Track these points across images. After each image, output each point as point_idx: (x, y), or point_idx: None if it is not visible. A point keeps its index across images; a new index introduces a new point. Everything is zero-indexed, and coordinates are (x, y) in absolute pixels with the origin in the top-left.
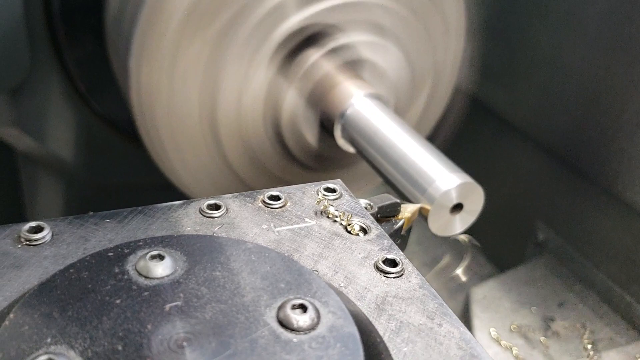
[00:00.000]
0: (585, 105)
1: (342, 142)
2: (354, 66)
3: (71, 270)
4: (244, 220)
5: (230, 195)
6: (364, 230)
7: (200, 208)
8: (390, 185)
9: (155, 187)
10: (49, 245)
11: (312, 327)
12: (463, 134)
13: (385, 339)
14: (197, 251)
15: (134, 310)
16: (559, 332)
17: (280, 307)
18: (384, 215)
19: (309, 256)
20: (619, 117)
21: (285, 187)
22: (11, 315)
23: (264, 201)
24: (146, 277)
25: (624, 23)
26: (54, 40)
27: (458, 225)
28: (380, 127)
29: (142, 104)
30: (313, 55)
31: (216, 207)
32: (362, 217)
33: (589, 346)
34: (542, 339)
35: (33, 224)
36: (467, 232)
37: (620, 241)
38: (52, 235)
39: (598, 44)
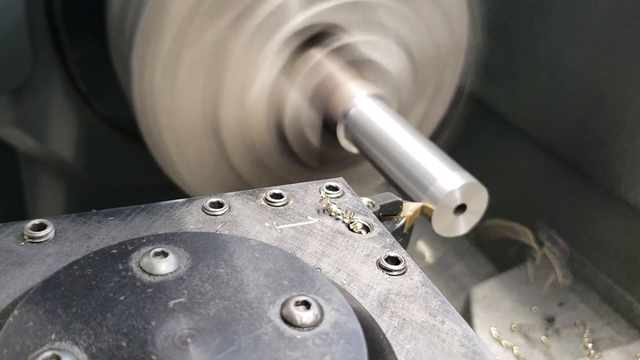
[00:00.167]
0: (587, 106)
1: (344, 142)
2: (357, 66)
3: (75, 267)
4: (247, 218)
5: (232, 193)
6: (366, 228)
7: (203, 206)
8: (393, 185)
9: (158, 188)
10: (52, 243)
11: (316, 324)
12: (464, 134)
13: (388, 336)
14: (201, 248)
15: (138, 306)
16: (560, 331)
17: (284, 304)
18: (386, 214)
19: (312, 254)
20: (621, 118)
21: (287, 185)
22: (15, 312)
23: (266, 199)
24: (150, 274)
25: (626, 24)
26: (56, 40)
27: (462, 226)
28: (383, 127)
29: (144, 104)
30: (316, 55)
31: (219, 205)
32: (365, 215)
33: (590, 345)
34: (542, 338)
35: (36, 221)
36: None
37: (621, 241)
38: (56, 233)
39: (600, 44)
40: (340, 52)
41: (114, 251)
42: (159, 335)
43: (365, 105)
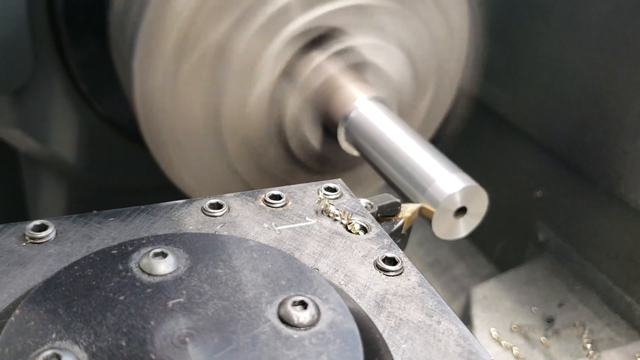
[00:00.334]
0: (588, 107)
1: (345, 145)
2: (357, 69)
3: (76, 268)
4: (246, 219)
5: (232, 194)
6: (364, 229)
7: (202, 207)
8: (394, 188)
9: (158, 189)
10: (53, 244)
11: (313, 324)
12: (465, 135)
13: (384, 335)
14: (200, 249)
15: (138, 306)
16: (559, 332)
17: (281, 304)
18: (384, 215)
19: (310, 254)
20: (621, 119)
21: (286, 187)
22: (17, 312)
23: (265, 200)
24: (149, 275)
25: (627, 25)
26: (57, 41)
27: (462, 229)
28: (384, 130)
29: (146, 106)
30: (317, 57)
31: (218, 206)
32: (363, 216)
33: (589, 345)
34: (542, 338)
35: (37, 222)
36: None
37: (621, 241)
38: (57, 234)
39: (601, 45)
40: (342, 55)
41: (114, 252)
42: (158, 335)
43: (366, 108)
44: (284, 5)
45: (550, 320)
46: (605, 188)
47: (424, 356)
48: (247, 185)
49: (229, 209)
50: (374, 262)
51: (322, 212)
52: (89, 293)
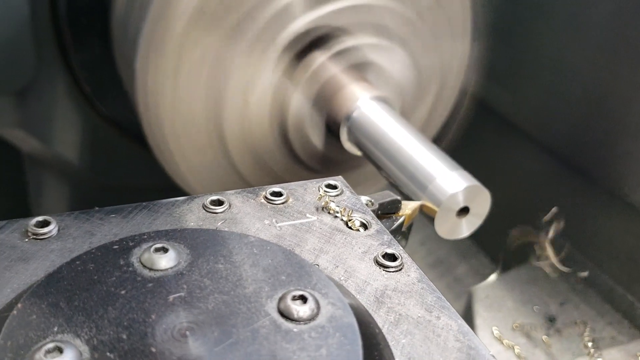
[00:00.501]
0: (590, 107)
1: (348, 145)
2: (360, 69)
3: (77, 262)
4: (247, 216)
5: (233, 191)
6: (364, 226)
7: (203, 204)
8: (396, 187)
9: (160, 189)
10: (56, 239)
11: (312, 318)
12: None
13: (384, 330)
14: (200, 244)
15: (139, 300)
16: (561, 331)
17: (281, 298)
18: (385, 212)
19: (310, 251)
20: (624, 119)
21: (287, 184)
22: (19, 305)
23: (266, 197)
24: (150, 269)
25: (628, 25)
26: (60, 42)
27: (465, 229)
28: (386, 129)
29: (148, 106)
30: (319, 57)
31: (219, 202)
32: (363, 212)
33: (590, 344)
34: (544, 337)
35: (40, 218)
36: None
37: (622, 241)
38: (59, 230)
39: (602, 45)
40: (344, 55)
41: (116, 247)
42: (159, 328)
43: (368, 107)
44: (286, 5)
45: (551, 320)
46: (608, 188)
47: (423, 351)
48: (249, 185)
49: (229, 205)
50: (373, 258)
51: (322, 209)
52: (90, 287)
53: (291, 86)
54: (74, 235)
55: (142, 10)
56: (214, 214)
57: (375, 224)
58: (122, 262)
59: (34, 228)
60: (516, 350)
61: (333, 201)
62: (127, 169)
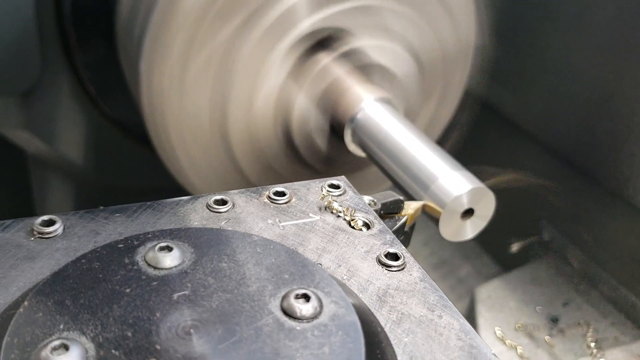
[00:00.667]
0: (595, 109)
1: (352, 146)
2: (364, 70)
3: (83, 261)
4: (250, 215)
5: (236, 191)
6: (366, 225)
7: (207, 203)
8: (399, 188)
9: (165, 190)
10: (61, 238)
11: (315, 316)
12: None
13: (386, 329)
14: (204, 243)
15: (143, 298)
16: (564, 331)
17: (284, 297)
18: (387, 212)
19: (313, 250)
20: (628, 120)
21: (290, 184)
22: (26, 303)
23: (269, 197)
24: (155, 268)
25: (634, 26)
26: (65, 43)
27: (469, 231)
28: (391, 131)
29: (153, 107)
30: (324, 59)
31: (223, 202)
32: (366, 212)
33: (592, 344)
34: (546, 338)
35: (45, 217)
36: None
37: (625, 241)
38: (64, 229)
39: (608, 47)
40: (348, 56)
41: (121, 246)
42: (163, 326)
43: (372, 109)
44: (291, 7)
45: (554, 320)
46: (612, 190)
47: (425, 350)
48: (252, 186)
49: (233, 205)
50: (376, 258)
51: (325, 209)
52: (95, 285)
53: (296, 87)
54: (79, 234)
55: (147, 11)
56: (218, 214)
57: (378, 224)
58: (127, 261)
59: (40, 227)
60: (519, 351)
61: (336, 201)
62: (131, 170)
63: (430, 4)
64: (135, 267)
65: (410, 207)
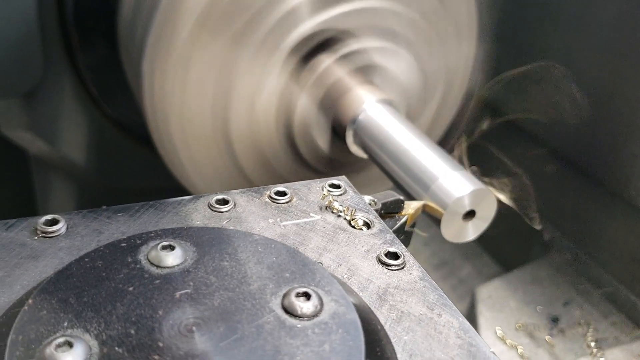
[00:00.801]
0: (596, 110)
1: (354, 148)
2: (366, 72)
3: (86, 260)
4: (251, 215)
5: (238, 190)
6: (367, 225)
7: (209, 203)
8: (401, 189)
9: (166, 191)
10: (64, 238)
11: (315, 314)
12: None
13: (386, 327)
14: (206, 242)
15: (146, 297)
16: (564, 331)
17: (285, 295)
18: (388, 212)
19: (314, 249)
20: (631, 122)
21: (291, 184)
22: (30, 301)
23: (270, 196)
24: (157, 266)
25: (634, 27)
26: (67, 44)
27: (471, 232)
28: (392, 132)
29: (155, 108)
30: (325, 60)
31: (224, 202)
32: (366, 212)
33: (592, 344)
34: (547, 337)
35: (49, 217)
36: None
37: (626, 241)
38: (67, 228)
39: (608, 48)
40: (350, 58)
41: (124, 245)
42: (166, 324)
43: (374, 110)
44: (292, 8)
45: (555, 320)
46: (613, 191)
47: (424, 348)
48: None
49: (235, 204)
50: (376, 257)
51: (326, 208)
52: (99, 284)
53: (297, 89)
54: (82, 234)
55: (149, 13)
56: (220, 213)
57: (378, 223)
58: (129, 260)
59: (43, 226)
60: (519, 350)
61: (336, 200)
62: (133, 171)
63: (431, 6)
64: (138, 266)
65: (411, 207)
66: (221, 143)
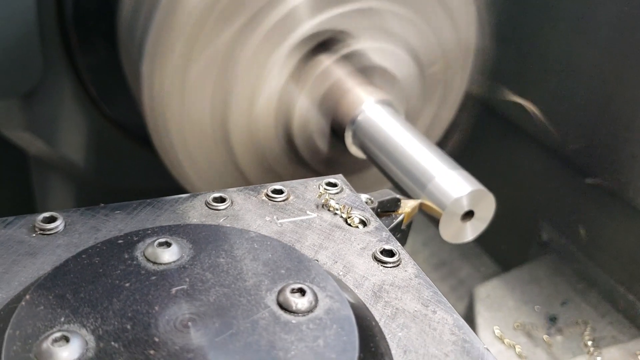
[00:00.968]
0: (596, 110)
1: (353, 148)
2: (365, 72)
3: (84, 256)
4: (248, 213)
5: (235, 188)
6: (363, 223)
7: (206, 201)
8: (401, 191)
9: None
10: (62, 235)
11: (310, 310)
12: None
13: (381, 324)
14: (203, 239)
15: (143, 292)
16: (562, 330)
17: (280, 291)
18: (385, 210)
19: (310, 246)
20: (630, 123)
21: (288, 182)
22: (27, 297)
23: (267, 195)
24: (154, 263)
25: (634, 27)
26: (67, 45)
27: (469, 233)
28: (391, 133)
29: (154, 109)
30: (325, 61)
31: (221, 199)
32: (362, 210)
33: (590, 343)
34: (545, 337)
35: (47, 214)
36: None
37: (624, 241)
38: (65, 225)
39: (609, 48)
40: (349, 59)
41: (120, 241)
42: (162, 319)
43: (373, 111)
44: (292, 9)
45: (553, 319)
46: (612, 191)
47: (419, 344)
48: None
49: (232, 202)
50: (372, 254)
51: (322, 206)
52: (96, 280)
53: (297, 90)
54: (79, 231)
55: (149, 13)
56: (216, 211)
57: (374, 221)
58: (126, 256)
59: (41, 224)
60: (517, 350)
61: (333, 199)
62: (132, 171)
63: (430, 6)
64: (134, 262)
65: (407, 206)
66: (220, 144)
